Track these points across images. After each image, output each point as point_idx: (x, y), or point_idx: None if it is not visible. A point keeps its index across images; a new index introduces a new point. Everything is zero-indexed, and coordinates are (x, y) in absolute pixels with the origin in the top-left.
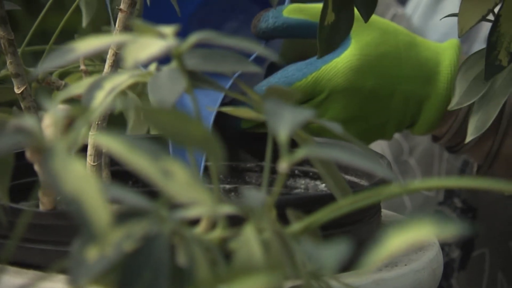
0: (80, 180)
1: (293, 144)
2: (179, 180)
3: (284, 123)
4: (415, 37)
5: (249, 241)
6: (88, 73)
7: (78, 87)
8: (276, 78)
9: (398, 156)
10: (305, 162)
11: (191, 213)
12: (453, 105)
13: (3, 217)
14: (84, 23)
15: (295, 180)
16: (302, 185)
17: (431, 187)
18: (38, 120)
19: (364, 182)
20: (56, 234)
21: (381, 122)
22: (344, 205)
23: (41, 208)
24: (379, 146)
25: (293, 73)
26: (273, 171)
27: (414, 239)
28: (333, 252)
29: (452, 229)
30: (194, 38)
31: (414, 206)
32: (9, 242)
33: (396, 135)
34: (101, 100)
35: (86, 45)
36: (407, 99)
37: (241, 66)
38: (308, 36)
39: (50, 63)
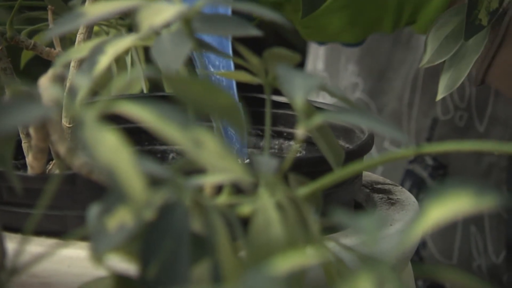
0: (113, 149)
1: None
2: (209, 149)
3: (298, 89)
4: None
5: (266, 207)
6: None
7: (78, 51)
8: None
9: None
10: (278, 122)
11: (211, 180)
12: (424, 63)
13: (18, 184)
14: None
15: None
16: (276, 145)
17: (442, 150)
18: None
19: (342, 142)
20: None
21: (376, 16)
22: (355, 169)
23: (30, 172)
24: None
25: None
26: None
27: (454, 212)
28: (374, 220)
29: (491, 200)
30: (202, 2)
31: (385, 164)
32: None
33: (362, 96)
34: (105, 65)
35: (97, 9)
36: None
37: (243, 30)
38: None
39: (60, 29)
